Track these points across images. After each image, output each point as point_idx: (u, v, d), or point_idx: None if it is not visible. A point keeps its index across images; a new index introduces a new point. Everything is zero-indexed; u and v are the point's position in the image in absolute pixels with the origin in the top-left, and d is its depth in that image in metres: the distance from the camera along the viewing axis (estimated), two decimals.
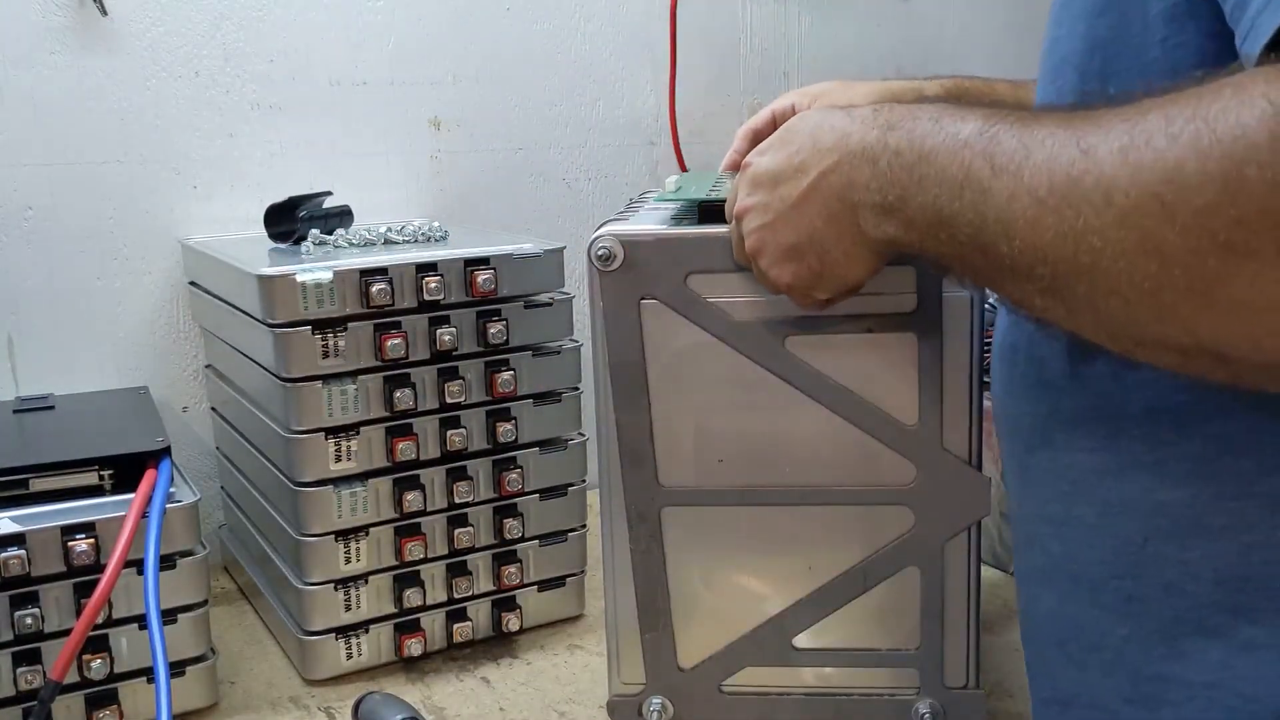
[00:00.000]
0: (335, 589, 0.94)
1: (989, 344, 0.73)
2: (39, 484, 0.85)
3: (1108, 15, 0.56)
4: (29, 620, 0.81)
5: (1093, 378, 0.59)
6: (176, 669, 0.87)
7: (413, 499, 0.94)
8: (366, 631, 0.95)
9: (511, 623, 1.00)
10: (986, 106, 0.53)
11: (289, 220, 1.05)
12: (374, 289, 0.90)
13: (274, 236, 1.06)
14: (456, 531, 0.97)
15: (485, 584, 1.00)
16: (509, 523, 0.99)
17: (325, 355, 0.90)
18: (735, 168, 0.90)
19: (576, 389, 1.02)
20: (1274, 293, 0.41)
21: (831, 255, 0.62)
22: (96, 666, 0.83)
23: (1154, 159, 0.43)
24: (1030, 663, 0.69)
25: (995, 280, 0.52)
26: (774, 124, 0.92)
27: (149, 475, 0.85)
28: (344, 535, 0.93)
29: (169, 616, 0.86)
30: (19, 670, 0.81)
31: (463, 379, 0.95)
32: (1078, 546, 0.61)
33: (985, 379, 0.75)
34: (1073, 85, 0.58)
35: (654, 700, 0.81)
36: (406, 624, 0.97)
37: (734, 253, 0.71)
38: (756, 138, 0.93)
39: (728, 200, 0.71)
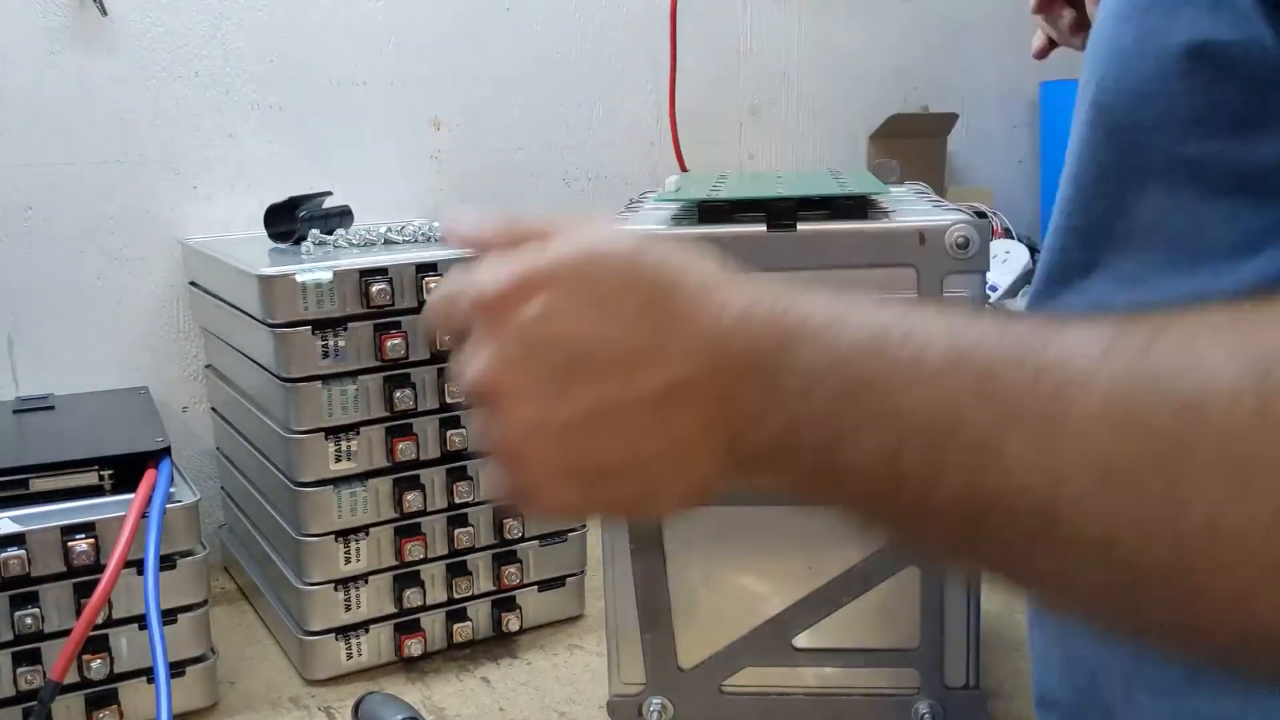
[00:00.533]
0: (335, 589, 0.94)
1: None
2: (39, 484, 0.85)
3: (1131, 21, 0.51)
4: (29, 620, 0.81)
5: None
6: (176, 669, 0.87)
7: (413, 499, 0.94)
8: (366, 631, 0.95)
9: (511, 623, 1.00)
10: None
11: (289, 220, 1.05)
12: (374, 289, 0.90)
13: (274, 236, 1.06)
14: (456, 531, 0.97)
15: (485, 584, 1.00)
16: (509, 523, 0.99)
17: (325, 355, 0.90)
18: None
19: None
20: None
21: (660, 485, 0.43)
22: (96, 666, 0.83)
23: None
24: (1036, 663, 0.68)
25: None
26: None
27: (149, 475, 0.85)
28: (344, 535, 0.93)
29: (169, 616, 0.86)
30: (19, 670, 0.81)
31: None
32: None
33: None
34: (1090, 97, 0.55)
35: (654, 700, 0.81)
36: (406, 624, 0.97)
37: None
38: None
39: (431, 328, 0.50)
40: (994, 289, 1.31)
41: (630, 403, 0.40)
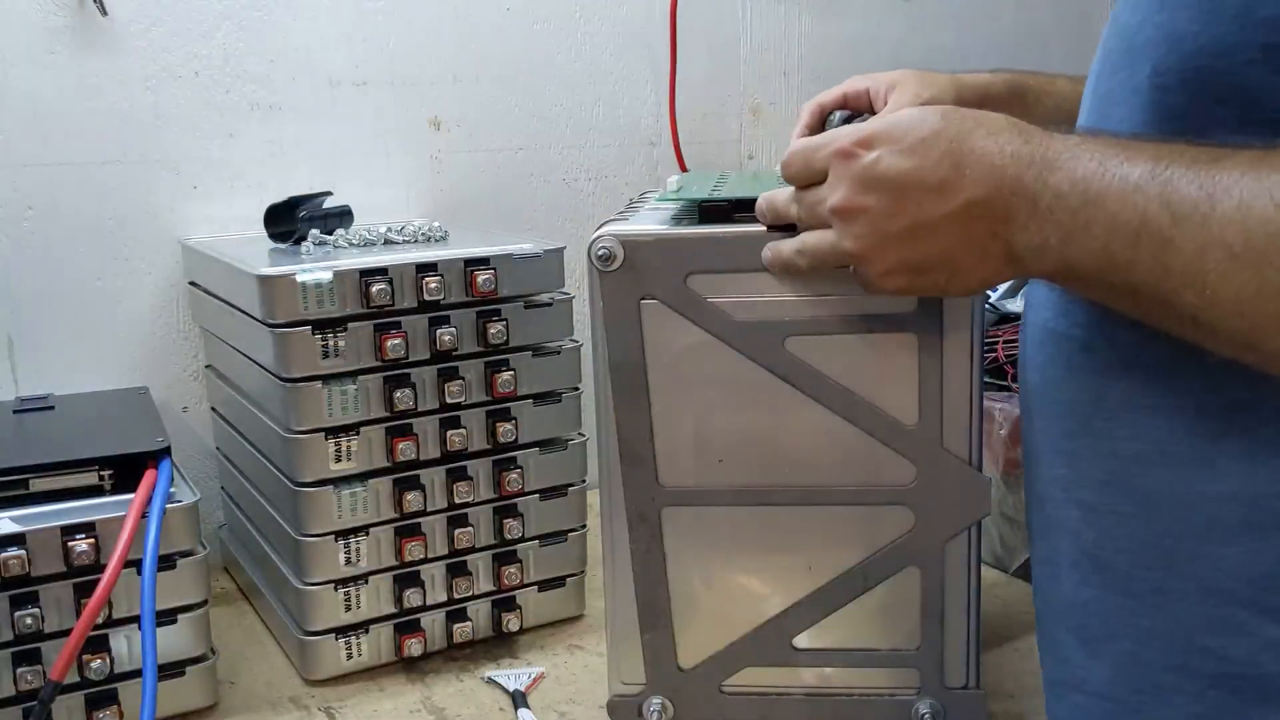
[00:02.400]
0: (335, 589, 0.94)
1: (989, 344, 0.73)
2: (39, 484, 0.85)
3: (1190, 8, 0.54)
4: (29, 620, 0.81)
5: (1146, 368, 0.58)
6: (176, 669, 0.88)
7: (413, 499, 0.94)
8: (366, 631, 0.95)
9: (511, 623, 1.00)
10: (1150, 143, 0.52)
11: (289, 220, 1.05)
12: (374, 289, 0.90)
13: (274, 236, 1.06)
14: (456, 532, 0.97)
15: (485, 584, 1.00)
16: (509, 523, 0.99)
17: (325, 355, 0.90)
18: (815, 131, 0.89)
19: (576, 389, 1.02)
20: None
21: (963, 275, 0.60)
22: (96, 667, 0.83)
23: None
24: (1042, 644, 0.69)
25: (1170, 325, 0.52)
26: (844, 103, 0.92)
27: (149, 475, 0.85)
28: (344, 535, 0.93)
29: (169, 616, 0.86)
30: (19, 670, 0.81)
31: (463, 379, 0.95)
32: (1110, 535, 0.61)
33: (985, 379, 0.75)
34: (1145, 78, 0.57)
35: (654, 700, 0.81)
36: (406, 624, 0.97)
37: (795, 247, 0.68)
38: (823, 113, 0.93)
39: (791, 172, 0.66)
40: (994, 289, 1.31)
41: (939, 217, 0.58)
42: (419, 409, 0.94)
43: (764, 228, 0.73)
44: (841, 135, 0.62)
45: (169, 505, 0.85)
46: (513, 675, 0.94)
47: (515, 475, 0.98)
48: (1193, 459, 0.57)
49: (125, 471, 0.86)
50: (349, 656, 0.95)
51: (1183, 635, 0.58)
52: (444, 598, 0.98)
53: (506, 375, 0.97)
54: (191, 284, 1.16)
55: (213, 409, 1.19)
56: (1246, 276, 0.46)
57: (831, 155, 0.63)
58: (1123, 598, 0.60)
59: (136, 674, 0.85)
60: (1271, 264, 0.46)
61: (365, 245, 1.03)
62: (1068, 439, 0.64)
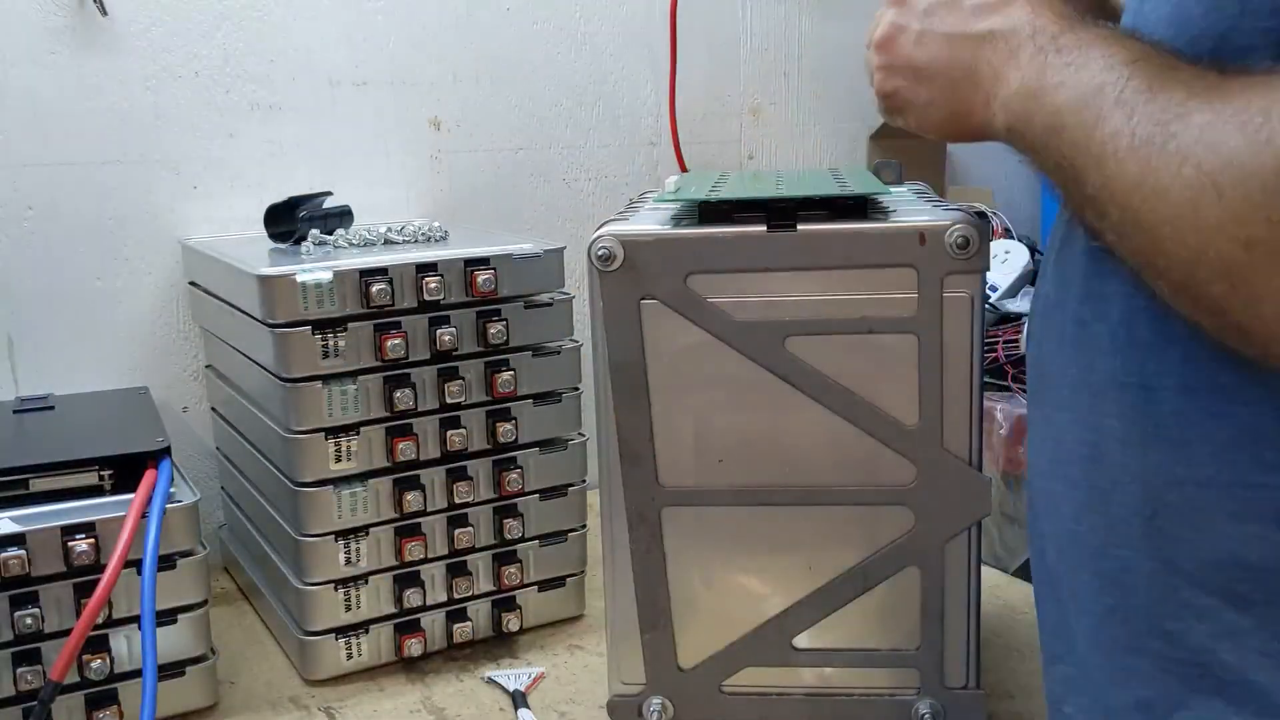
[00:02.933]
0: (335, 589, 0.94)
1: (989, 344, 0.73)
2: (39, 484, 0.85)
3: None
4: (29, 620, 0.81)
5: (1135, 346, 0.59)
6: (177, 669, 0.88)
7: (413, 499, 0.94)
8: (366, 632, 0.95)
9: (511, 623, 1.00)
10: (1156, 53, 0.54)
11: (289, 220, 1.05)
12: (374, 289, 0.90)
13: (274, 236, 1.06)
14: (456, 532, 0.97)
15: (485, 584, 1.00)
16: (509, 523, 0.99)
17: (325, 355, 0.90)
18: None
19: (576, 389, 1.02)
20: None
21: (947, 102, 0.65)
22: (96, 667, 0.83)
23: (1220, 148, 0.46)
24: (1038, 618, 0.69)
25: (1077, 205, 0.55)
26: None
27: (149, 475, 0.85)
28: (344, 535, 0.93)
29: (169, 616, 0.86)
30: (19, 670, 0.81)
31: (463, 379, 0.95)
32: (1086, 510, 0.61)
33: (985, 379, 0.75)
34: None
35: (654, 700, 0.81)
36: (406, 624, 0.97)
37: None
38: None
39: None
40: (994, 289, 1.31)
41: (963, 33, 0.63)
42: (419, 409, 0.94)
43: (764, 228, 0.73)
44: None
45: (169, 505, 0.85)
46: (513, 675, 0.94)
47: (515, 475, 0.98)
48: (1171, 441, 0.57)
49: (125, 471, 0.86)
50: (349, 656, 0.95)
51: (1143, 617, 0.58)
52: (444, 598, 0.98)
53: (506, 375, 0.97)
54: (191, 284, 1.16)
55: (213, 409, 1.19)
56: (1131, 168, 0.49)
57: None
58: (1090, 575, 0.61)
59: (136, 674, 0.85)
60: (1150, 164, 0.49)
61: (365, 245, 1.03)
62: (1057, 411, 0.64)
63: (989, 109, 0.61)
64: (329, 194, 1.11)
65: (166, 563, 0.85)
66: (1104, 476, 0.60)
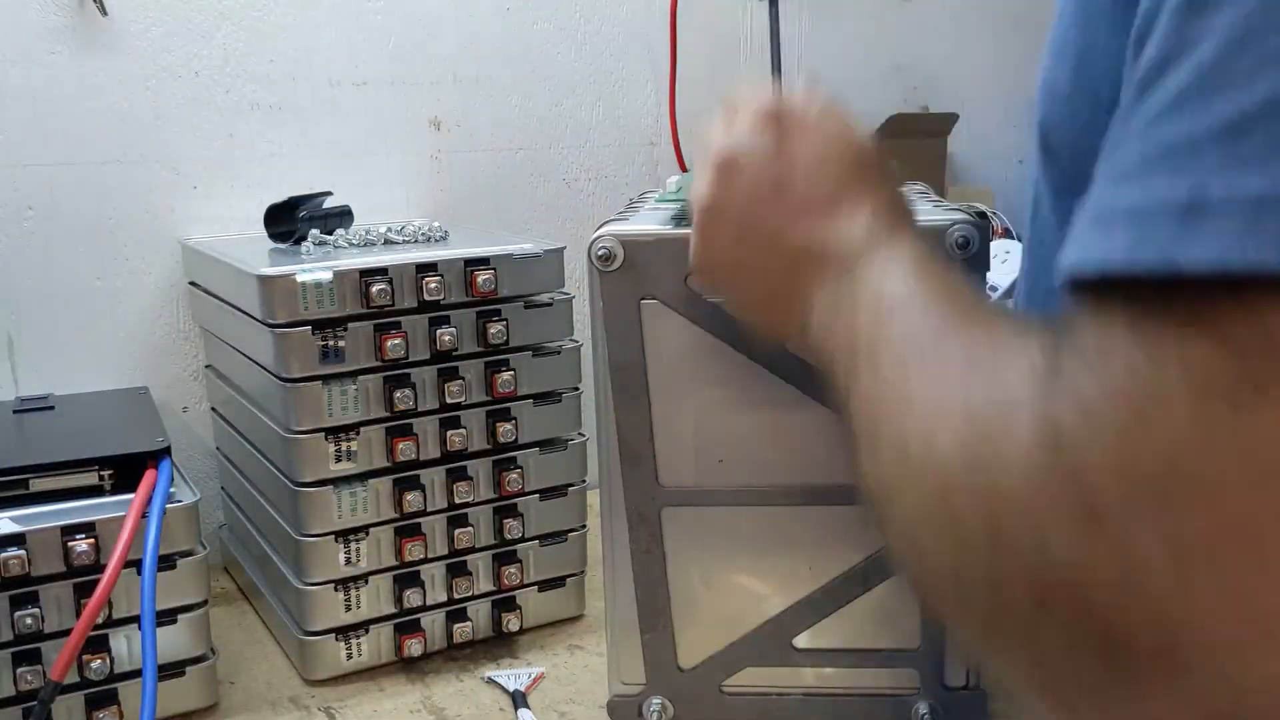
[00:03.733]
0: (335, 589, 0.94)
1: None
2: (39, 484, 0.85)
3: (1066, 61, 0.53)
4: (29, 620, 0.81)
5: None
6: (176, 669, 0.88)
7: (413, 499, 0.94)
8: (366, 632, 0.95)
9: (511, 623, 1.00)
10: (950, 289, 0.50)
11: (289, 220, 1.05)
12: (374, 289, 0.90)
13: (274, 236, 1.06)
14: (456, 532, 0.97)
15: (485, 584, 1.00)
16: (509, 523, 0.99)
17: (325, 355, 0.90)
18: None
19: (576, 389, 1.02)
20: None
21: (757, 309, 0.63)
22: (96, 667, 0.83)
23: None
24: None
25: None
26: None
27: (149, 475, 0.85)
28: (344, 535, 0.93)
29: (169, 616, 0.86)
30: (19, 670, 0.81)
31: (463, 379, 0.95)
32: None
33: None
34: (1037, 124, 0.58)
35: (654, 700, 0.81)
36: (406, 624, 0.97)
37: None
38: None
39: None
40: (994, 289, 1.31)
41: (782, 245, 0.58)
42: (419, 409, 0.94)
43: None
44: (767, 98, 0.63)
45: (169, 505, 0.85)
46: (513, 675, 0.94)
47: (515, 475, 0.98)
48: None
49: (125, 471, 0.86)
50: (349, 656, 0.95)
51: None
52: (444, 598, 0.98)
53: (506, 375, 0.97)
54: (191, 284, 1.16)
55: (213, 409, 1.19)
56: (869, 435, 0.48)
57: (755, 109, 0.62)
58: None
59: (136, 674, 0.85)
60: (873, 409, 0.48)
61: (365, 245, 1.03)
62: None
63: (798, 327, 0.58)
64: (329, 194, 1.11)
65: (166, 563, 0.85)
66: None
